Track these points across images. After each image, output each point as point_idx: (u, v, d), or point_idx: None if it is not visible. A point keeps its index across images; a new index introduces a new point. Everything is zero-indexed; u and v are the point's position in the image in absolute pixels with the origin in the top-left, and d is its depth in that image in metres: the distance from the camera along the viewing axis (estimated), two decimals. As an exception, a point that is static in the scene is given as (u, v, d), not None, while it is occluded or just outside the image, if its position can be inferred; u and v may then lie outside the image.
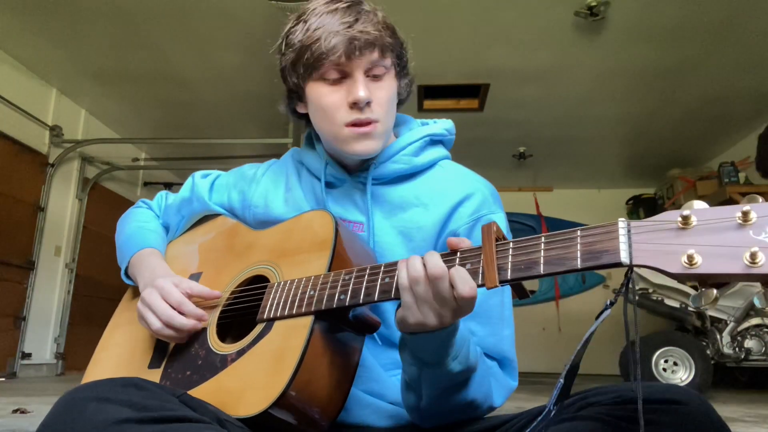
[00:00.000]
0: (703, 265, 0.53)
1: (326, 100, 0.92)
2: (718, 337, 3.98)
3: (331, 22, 0.89)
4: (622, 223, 0.59)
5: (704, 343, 4.00)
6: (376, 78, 0.93)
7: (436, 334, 0.72)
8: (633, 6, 3.48)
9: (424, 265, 0.69)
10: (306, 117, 1.03)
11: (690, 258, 0.53)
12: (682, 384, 3.60)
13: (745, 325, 3.98)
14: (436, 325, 0.70)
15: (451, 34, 3.83)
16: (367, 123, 0.91)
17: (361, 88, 0.90)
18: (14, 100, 4.28)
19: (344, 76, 0.92)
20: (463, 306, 0.68)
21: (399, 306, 0.73)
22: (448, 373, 0.76)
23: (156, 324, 0.88)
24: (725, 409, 2.93)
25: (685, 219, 0.55)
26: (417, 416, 0.84)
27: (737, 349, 3.95)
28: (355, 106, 0.90)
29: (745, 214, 0.52)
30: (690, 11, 3.50)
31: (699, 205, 0.56)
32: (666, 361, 3.76)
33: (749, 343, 3.96)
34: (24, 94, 4.40)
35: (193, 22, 3.76)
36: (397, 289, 0.72)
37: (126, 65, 4.35)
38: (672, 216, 0.56)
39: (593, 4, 3.45)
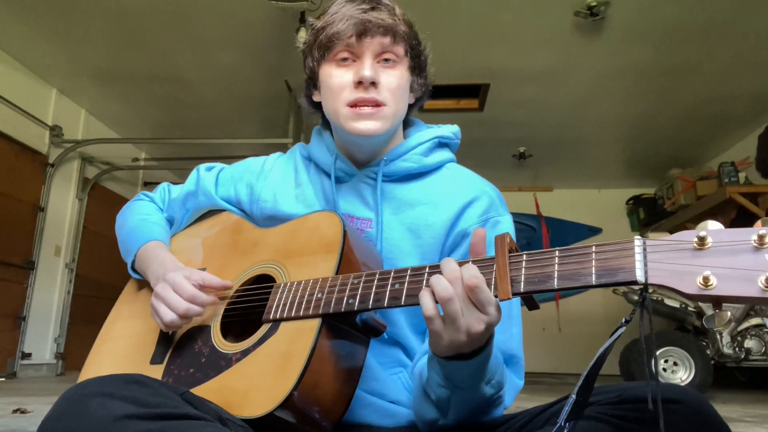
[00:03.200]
0: (719, 287, 0.53)
1: (335, 80, 0.94)
2: (718, 337, 3.98)
3: (348, 8, 0.94)
4: (638, 241, 0.59)
5: (704, 343, 4.00)
6: (387, 64, 0.95)
7: (472, 361, 0.71)
8: (633, 6, 3.49)
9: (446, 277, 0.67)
10: (320, 107, 1.04)
11: (705, 279, 0.54)
12: (682, 384, 3.60)
13: (745, 325, 3.98)
14: (463, 339, 0.67)
15: (451, 34, 3.84)
16: (373, 104, 0.93)
17: (367, 67, 0.92)
18: (14, 100, 4.28)
19: (354, 59, 0.94)
20: (487, 313, 0.66)
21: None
22: (480, 396, 0.76)
23: (168, 316, 0.87)
24: (725, 409, 2.94)
25: (701, 240, 0.55)
26: (428, 427, 0.83)
27: (737, 349, 3.95)
28: (360, 85, 0.92)
29: (761, 237, 0.53)
30: (690, 11, 3.50)
31: (714, 225, 0.56)
32: (666, 361, 3.76)
33: (749, 343, 3.96)
34: (24, 94, 4.40)
35: (192, 22, 3.77)
36: (407, 296, 0.72)
37: (126, 65, 4.35)
38: (688, 236, 0.56)
39: (593, 4, 3.46)
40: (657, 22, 3.63)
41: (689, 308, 4.03)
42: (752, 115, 4.91)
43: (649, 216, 6.28)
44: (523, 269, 0.65)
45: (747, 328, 3.99)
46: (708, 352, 3.88)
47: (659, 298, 4.04)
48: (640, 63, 4.11)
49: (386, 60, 0.95)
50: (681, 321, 4.14)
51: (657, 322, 4.74)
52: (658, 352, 3.77)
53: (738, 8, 3.46)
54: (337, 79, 0.94)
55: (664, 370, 3.75)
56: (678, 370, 3.73)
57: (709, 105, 4.75)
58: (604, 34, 3.78)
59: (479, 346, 0.70)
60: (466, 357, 0.71)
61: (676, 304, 4.03)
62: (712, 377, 3.73)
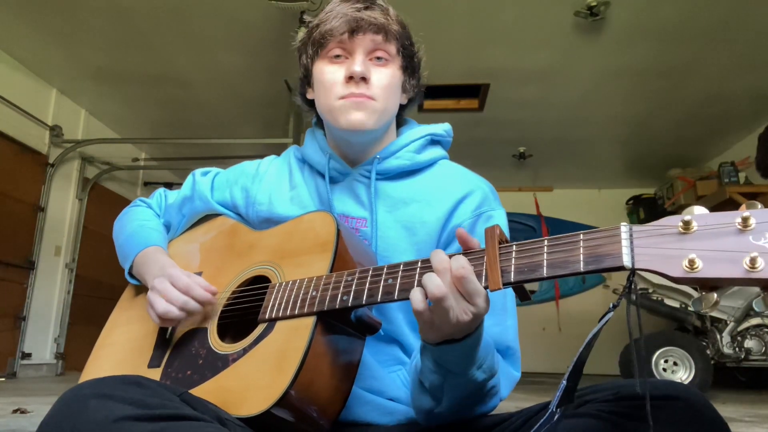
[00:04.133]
0: (704, 269, 0.54)
1: (327, 76, 0.96)
2: (718, 337, 3.98)
3: (343, 6, 0.96)
4: (624, 227, 0.60)
5: (704, 343, 4.01)
6: (379, 62, 0.97)
7: (461, 344, 0.72)
8: (633, 6, 3.49)
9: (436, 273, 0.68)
10: (314, 104, 1.05)
11: (691, 262, 0.54)
12: (682, 384, 3.60)
13: (745, 325, 3.98)
14: (448, 330, 0.69)
15: (451, 34, 3.84)
16: (362, 97, 0.94)
17: (358, 63, 0.94)
18: (14, 100, 4.29)
19: (347, 55, 0.96)
20: (474, 303, 0.67)
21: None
22: (472, 382, 0.77)
23: (162, 306, 0.87)
24: (725, 409, 2.94)
25: (686, 224, 0.56)
26: (426, 418, 0.84)
27: (737, 349, 3.95)
28: (350, 80, 0.94)
29: (745, 219, 0.54)
30: (690, 11, 3.50)
31: (699, 210, 0.57)
32: (666, 361, 3.76)
33: (749, 343, 3.96)
34: (24, 94, 4.40)
35: (193, 22, 3.77)
36: (400, 290, 0.73)
37: (126, 65, 4.35)
38: (673, 221, 0.57)
39: (593, 4, 3.46)
40: (657, 22, 3.63)
41: (689, 308, 4.03)
42: (752, 115, 4.91)
43: (649, 216, 6.28)
44: (513, 259, 0.66)
45: (747, 328, 3.99)
46: (708, 352, 3.88)
47: (659, 298, 4.04)
48: (640, 63, 4.11)
49: (378, 58, 0.96)
50: (681, 321, 4.14)
51: (657, 322, 4.75)
52: (658, 352, 3.77)
53: (738, 8, 3.46)
54: (329, 75, 0.96)
55: (664, 370, 3.75)
56: (678, 370, 3.74)
57: (709, 105, 4.75)
58: (604, 34, 3.78)
59: (468, 333, 0.71)
60: (455, 341, 0.72)
61: (676, 304, 4.03)
62: (712, 377, 3.73)
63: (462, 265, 0.66)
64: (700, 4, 3.43)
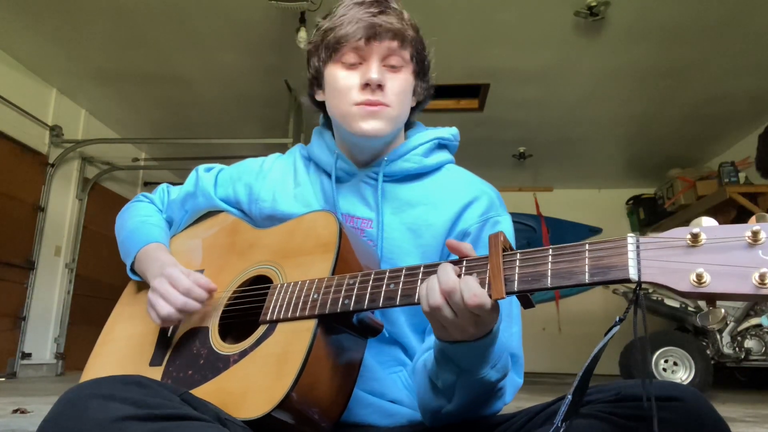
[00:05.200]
0: (712, 284, 0.53)
1: (341, 82, 0.96)
2: (718, 337, 3.98)
3: (357, 11, 0.95)
4: (631, 239, 0.59)
5: (704, 343, 4.00)
6: (393, 68, 0.96)
7: (476, 344, 0.72)
8: (633, 6, 3.49)
9: (440, 284, 0.68)
10: (323, 106, 1.05)
11: (699, 277, 0.53)
12: (682, 384, 3.60)
13: (745, 325, 3.98)
14: (458, 337, 0.70)
15: (451, 34, 3.84)
16: (377, 104, 0.94)
17: (374, 70, 0.93)
18: (14, 100, 4.28)
19: (361, 61, 0.95)
20: (482, 315, 0.67)
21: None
22: (486, 382, 0.77)
23: (165, 309, 0.88)
24: (725, 409, 2.93)
25: (695, 237, 0.55)
26: (432, 418, 0.84)
27: (737, 349, 3.95)
28: (366, 87, 0.94)
29: (755, 233, 0.52)
30: (690, 11, 3.50)
31: (708, 222, 0.56)
32: (666, 361, 3.76)
33: (749, 343, 3.96)
34: (24, 94, 4.40)
35: (193, 22, 3.77)
36: (402, 296, 0.73)
37: (126, 65, 4.35)
38: (681, 233, 0.56)
39: (593, 4, 3.45)
40: (657, 22, 3.63)
41: (689, 308, 4.03)
42: (752, 115, 4.91)
43: (649, 216, 6.28)
44: (517, 268, 0.65)
45: (747, 328, 3.99)
46: (708, 352, 3.88)
47: (659, 298, 4.04)
48: (640, 63, 4.11)
49: (392, 64, 0.96)
50: (681, 321, 4.14)
51: (657, 322, 4.75)
52: (658, 352, 3.77)
53: (738, 8, 3.46)
54: (344, 81, 0.95)
55: (664, 370, 3.75)
56: (678, 370, 3.73)
57: (709, 105, 4.75)
58: (604, 34, 3.78)
59: (483, 334, 0.71)
60: (468, 341, 0.72)
61: (676, 304, 4.04)
62: (712, 377, 3.73)
63: (474, 293, 0.65)
64: (700, 4, 3.43)
